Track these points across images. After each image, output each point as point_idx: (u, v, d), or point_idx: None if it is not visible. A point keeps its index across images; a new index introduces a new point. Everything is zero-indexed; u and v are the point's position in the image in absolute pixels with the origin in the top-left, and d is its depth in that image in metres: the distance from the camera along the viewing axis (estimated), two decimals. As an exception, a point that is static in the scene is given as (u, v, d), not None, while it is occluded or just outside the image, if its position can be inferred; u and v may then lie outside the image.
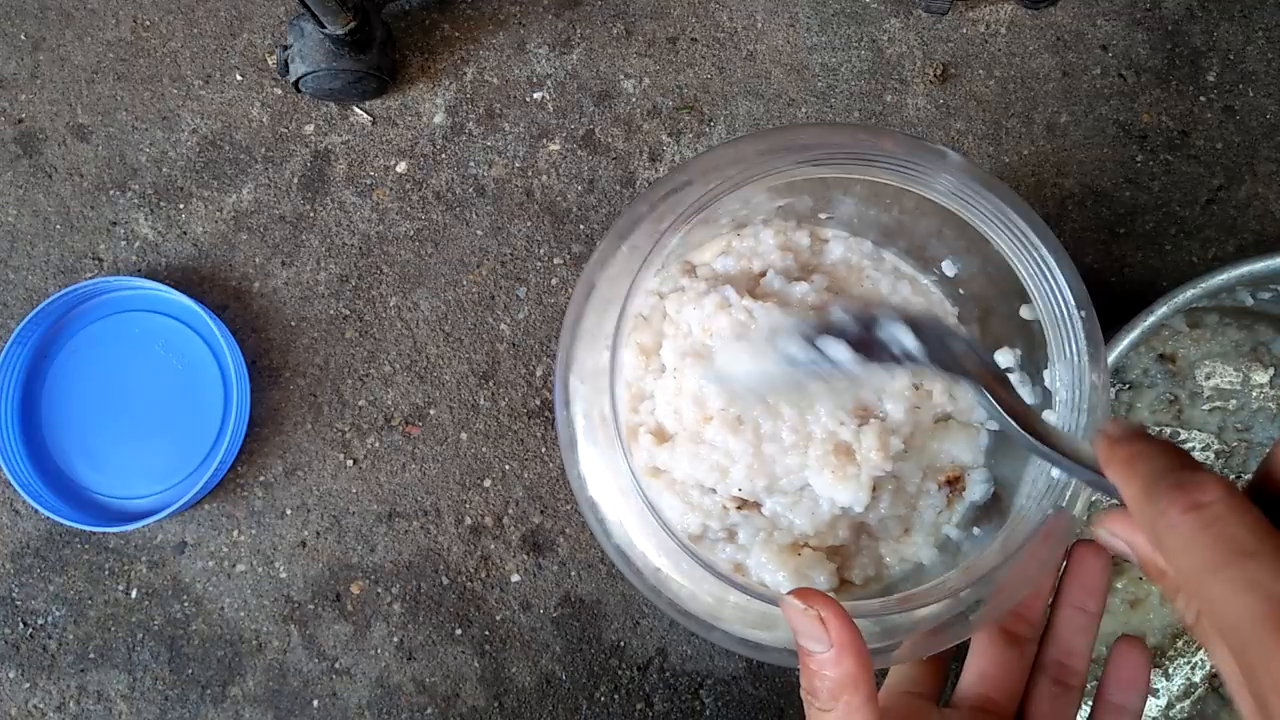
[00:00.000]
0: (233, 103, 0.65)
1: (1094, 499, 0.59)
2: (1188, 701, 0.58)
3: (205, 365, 0.62)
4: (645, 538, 0.40)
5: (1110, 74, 0.64)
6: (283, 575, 0.61)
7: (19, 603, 0.61)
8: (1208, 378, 0.59)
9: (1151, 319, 0.50)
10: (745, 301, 0.44)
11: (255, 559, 0.61)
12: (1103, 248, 0.63)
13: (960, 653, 0.41)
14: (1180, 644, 0.58)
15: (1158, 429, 0.60)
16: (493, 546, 0.61)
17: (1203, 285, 0.51)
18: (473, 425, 0.62)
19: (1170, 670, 0.58)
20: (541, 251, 0.64)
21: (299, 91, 0.62)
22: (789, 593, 0.34)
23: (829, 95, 0.65)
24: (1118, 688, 0.40)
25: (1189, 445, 0.60)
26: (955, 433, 0.46)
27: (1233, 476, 0.60)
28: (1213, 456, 0.60)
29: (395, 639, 0.60)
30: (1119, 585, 0.58)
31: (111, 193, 0.65)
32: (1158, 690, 0.58)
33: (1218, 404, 0.59)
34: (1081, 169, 0.63)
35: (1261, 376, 0.59)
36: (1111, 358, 0.50)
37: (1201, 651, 0.58)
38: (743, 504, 0.43)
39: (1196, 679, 0.58)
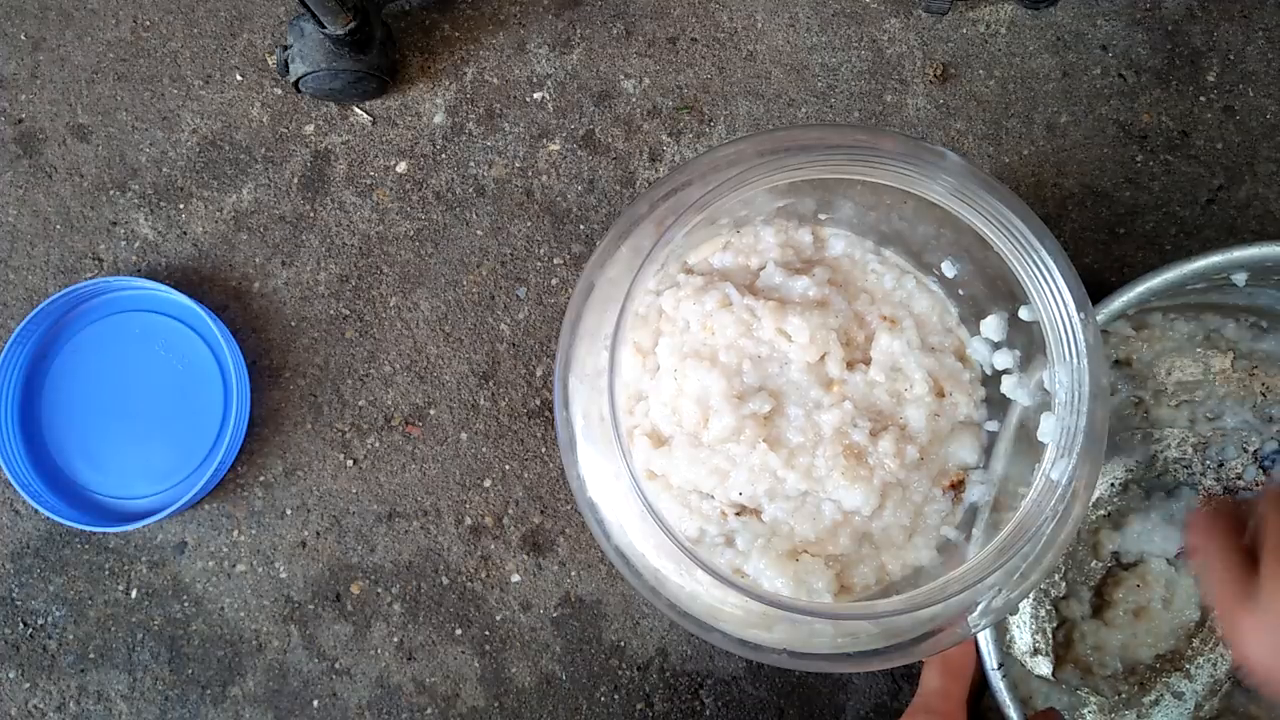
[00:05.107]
0: (233, 103, 0.65)
1: (1096, 497, 0.59)
2: (1215, 699, 0.57)
3: (205, 365, 0.62)
4: (645, 539, 0.40)
5: (1110, 74, 0.64)
6: (283, 575, 0.61)
7: (19, 603, 0.61)
8: (1168, 373, 0.58)
9: (1101, 316, 0.50)
10: (747, 300, 0.44)
11: (255, 559, 0.61)
12: (1103, 248, 0.63)
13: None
14: (1196, 643, 0.57)
15: (1129, 433, 0.59)
16: (493, 546, 0.61)
17: (1149, 284, 0.51)
18: (473, 425, 0.62)
19: (1192, 671, 0.57)
20: (541, 251, 0.64)
21: (299, 91, 0.62)
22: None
23: (829, 95, 0.64)
24: None
25: (1164, 443, 0.59)
26: (960, 434, 0.45)
27: (1215, 466, 0.59)
28: (1190, 450, 0.59)
29: (395, 639, 0.60)
30: (1119, 595, 0.57)
31: (111, 193, 0.65)
32: (1183, 693, 0.57)
33: (1184, 398, 0.58)
34: (1081, 169, 0.63)
35: (1222, 362, 0.58)
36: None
37: (1220, 645, 0.57)
38: (741, 510, 0.43)
39: (1221, 674, 0.57)
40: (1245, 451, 0.59)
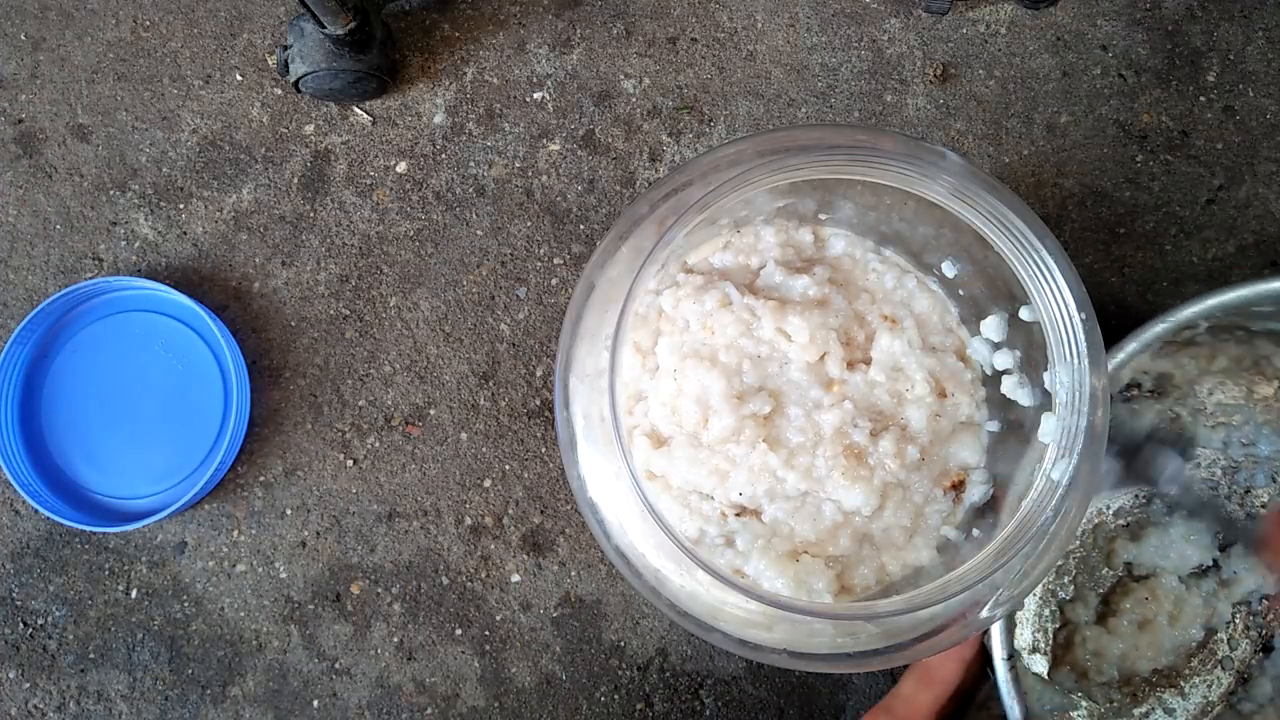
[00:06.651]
0: (233, 103, 0.65)
1: (1117, 506, 0.59)
2: None
3: (205, 365, 0.62)
4: (645, 539, 0.40)
5: (1110, 74, 0.64)
6: (283, 575, 0.61)
7: (19, 603, 0.61)
8: (1210, 393, 0.58)
9: (1160, 327, 0.50)
10: (747, 299, 0.44)
11: (255, 559, 0.61)
12: (1103, 248, 0.63)
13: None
14: (1195, 663, 0.57)
15: (1160, 446, 0.59)
16: (493, 546, 0.61)
17: (1215, 301, 0.50)
18: (473, 425, 0.62)
19: (1187, 690, 0.57)
20: (541, 251, 0.64)
21: (299, 91, 0.62)
22: None
23: (829, 95, 0.64)
24: None
25: (1195, 462, 0.58)
26: (961, 434, 0.45)
27: (1241, 491, 0.59)
28: (1220, 473, 0.58)
29: (395, 639, 0.60)
30: (1126, 605, 0.57)
31: (111, 193, 0.65)
32: (1174, 710, 0.57)
33: (1221, 420, 0.57)
34: (1081, 169, 0.63)
35: (1266, 389, 0.57)
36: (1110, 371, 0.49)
37: (1217, 669, 0.57)
38: (741, 510, 0.43)
39: (1214, 697, 0.57)
40: (1274, 481, 0.58)
